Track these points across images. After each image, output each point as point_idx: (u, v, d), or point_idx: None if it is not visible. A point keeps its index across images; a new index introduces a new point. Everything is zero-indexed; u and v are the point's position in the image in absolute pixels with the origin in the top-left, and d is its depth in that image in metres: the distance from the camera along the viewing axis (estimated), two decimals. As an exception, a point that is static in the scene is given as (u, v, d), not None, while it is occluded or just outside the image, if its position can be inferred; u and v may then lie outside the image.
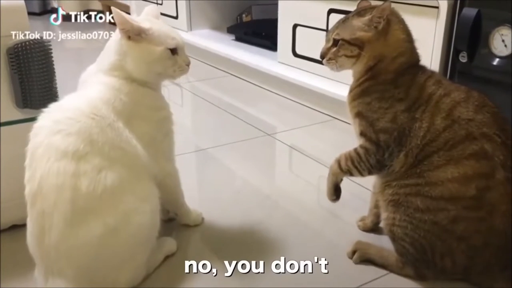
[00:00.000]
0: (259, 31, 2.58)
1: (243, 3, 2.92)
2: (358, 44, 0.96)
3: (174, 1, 2.86)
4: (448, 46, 1.39)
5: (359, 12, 0.98)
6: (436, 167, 0.90)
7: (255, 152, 1.67)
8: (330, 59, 1.00)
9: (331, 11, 1.83)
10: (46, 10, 4.16)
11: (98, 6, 3.90)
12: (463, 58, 1.32)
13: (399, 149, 0.94)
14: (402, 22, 0.97)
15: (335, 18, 1.80)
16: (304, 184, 1.48)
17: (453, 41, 1.35)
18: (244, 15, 2.87)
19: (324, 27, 1.87)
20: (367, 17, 0.95)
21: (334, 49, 0.99)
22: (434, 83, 0.94)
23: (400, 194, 0.94)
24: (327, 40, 1.02)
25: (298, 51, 2.06)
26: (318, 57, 1.90)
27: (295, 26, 2.04)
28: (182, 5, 2.82)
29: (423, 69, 0.98)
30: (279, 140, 1.75)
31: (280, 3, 2.11)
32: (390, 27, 0.95)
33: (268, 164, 1.65)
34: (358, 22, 0.96)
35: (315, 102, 1.98)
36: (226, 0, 2.92)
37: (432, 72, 0.99)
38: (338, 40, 0.98)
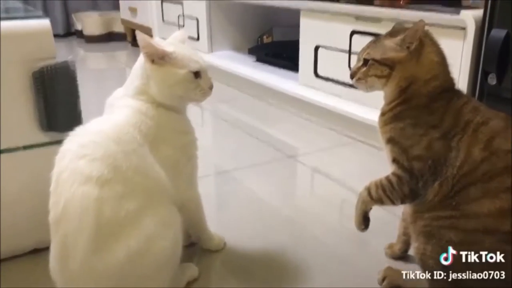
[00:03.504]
0: (280, 53, 2.58)
1: (264, 25, 2.94)
2: (388, 64, 0.93)
3: (196, 23, 2.89)
4: (476, 67, 1.36)
5: (392, 33, 0.96)
6: (472, 200, 0.86)
7: (277, 174, 1.65)
8: (359, 78, 0.98)
9: (354, 32, 1.82)
10: (70, 32, 4.26)
11: (120, 28, 3.97)
12: (492, 80, 1.29)
13: (434, 178, 0.90)
14: (435, 44, 0.94)
15: (358, 39, 1.80)
16: (328, 208, 1.45)
17: (481, 62, 1.32)
18: (265, 37, 2.88)
19: (347, 49, 1.86)
20: (399, 37, 0.93)
21: (364, 68, 0.96)
22: (471, 109, 0.91)
23: (433, 226, 0.90)
24: (358, 60, 0.99)
25: (320, 72, 2.05)
26: (340, 79, 1.92)
27: (317, 48, 2.04)
28: (203, 27, 2.85)
29: (458, 94, 0.95)
30: (301, 162, 1.73)
31: (302, 25, 2.11)
32: (423, 49, 0.92)
33: (291, 187, 1.62)
34: (390, 42, 0.94)
35: (337, 124, 1.96)
36: (247, 21, 2.94)
37: (468, 98, 0.95)
38: (368, 60, 0.95)
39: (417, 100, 0.93)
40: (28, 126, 1.07)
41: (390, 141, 0.95)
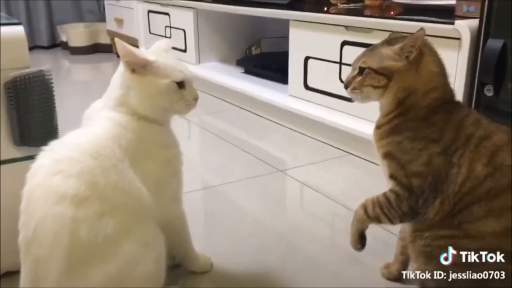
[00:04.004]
0: (269, 64, 2.54)
1: (252, 36, 2.90)
2: (386, 74, 0.88)
3: (183, 34, 2.85)
4: (472, 78, 1.32)
5: (389, 41, 0.91)
6: (476, 219, 0.81)
7: (266, 189, 1.60)
8: (354, 88, 0.92)
9: (344, 43, 1.79)
10: (55, 44, 4.19)
11: (106, 39, 3.91)
12: (488, 91, 1.25)
13: (435, 196, 0.85)
14: (435, 54, 0.90)
15: (348, 50, 1.76)
16: (319, 224, 1.40)
17: (477, 73, 1.28)
18: (253, 48, 2.85)
19: (338, 60, 1.82)
20: (397, 46, 0.88)
21: (360, 78, 0.91)
22: (472, 122, 0.86)
23: (434, 246, 0.85)
24: (353, 69, 0.94)
25: (310, 84, 2.01)
26: (331, 90, 1.88)
27: (306, 59, 2.00)
28: (191, 38, 2.81)
29: (458, 106, 0.91)
30: (290, 176, 1.67)
31: (291, 35, 2.07)
32: (423, 59, 0.88)
33: (280, 202, 1.57)
34: (387, 50, 0.89)
35: (327, 136, 1.91)
36: (235, 32, 2.91)
37: (469, 110, 0.91)
38: (364, 69, 0.90)
39: (416, 112, 0.88)
40: None
41: (387, 156, 0.90)
